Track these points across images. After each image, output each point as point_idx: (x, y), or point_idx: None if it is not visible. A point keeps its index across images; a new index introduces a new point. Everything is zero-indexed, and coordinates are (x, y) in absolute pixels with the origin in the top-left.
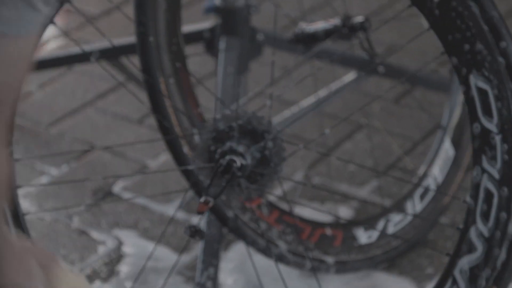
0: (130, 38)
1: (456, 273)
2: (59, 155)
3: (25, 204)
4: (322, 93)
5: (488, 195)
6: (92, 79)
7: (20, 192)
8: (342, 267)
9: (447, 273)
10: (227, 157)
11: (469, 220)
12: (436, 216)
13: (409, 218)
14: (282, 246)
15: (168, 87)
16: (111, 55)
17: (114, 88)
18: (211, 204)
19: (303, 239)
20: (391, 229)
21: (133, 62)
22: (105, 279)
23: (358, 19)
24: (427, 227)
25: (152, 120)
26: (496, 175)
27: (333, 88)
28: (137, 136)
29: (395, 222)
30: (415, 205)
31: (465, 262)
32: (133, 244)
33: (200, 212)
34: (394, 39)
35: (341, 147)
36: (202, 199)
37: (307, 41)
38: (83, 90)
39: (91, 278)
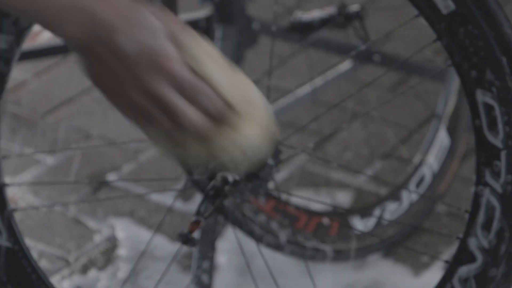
0: None
1: (455, 282)
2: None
3: (20, 193)
4: (318, 81)
5: (490, 208)
6: None
7: (16, 180)
8: (338, 256)
9: (446, 281)
10: (218, 177)
11: (469, 230)
12: (432, 205)
13: (405, 206)
14: (282, 236)
15: None
16: None
17: None
18: (202, 224)
19: (299, 228)
20: (387, 217)
21: None
22: (101, 268)
23: (354, 7)
24: (423, 215)
25: None
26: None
27: (328, 77)
28: (133, 125)
29: (391, 211)
30: (411, 194)
31: (464, 271)
32: (129, 233)
33: (190, 232)
34: (390, 27)
35: (336, 136)
36: (193, 219)
37: (302, 29)
38: (79, 79)
39: (87, 266)
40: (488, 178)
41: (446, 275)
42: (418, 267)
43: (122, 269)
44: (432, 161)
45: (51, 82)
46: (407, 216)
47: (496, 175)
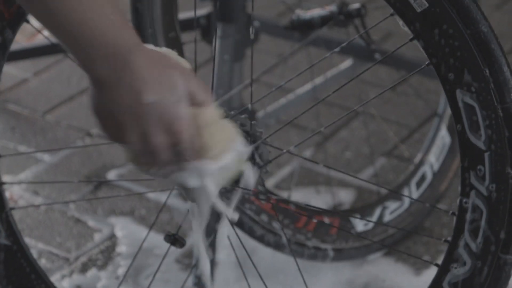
0: None
1: (445, 285)
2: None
3: (20, 191)
4: (318, 80)
5: (477, 211)
6: None
7: (15, 178)
8: (338, 255)
9: (436, 285)
10: None
11: (458, 234)
12: (433, 203)
13: (405, 205)
14: (284, 235)
15: None
16: None
17: None
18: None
19: (299, 227)
20: (387, 217)
21: None
22: (101, 267)
23: (355, 6)
24: (424, 214)
25: None
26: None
27: (329, 76)
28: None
29: (391, 210)
30: (411, 193)
31: (454, 274)
32: (129, 232)
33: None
34: (390, 26)
35: (337, 135)
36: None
37: (303, 28)
38: (78, 77)
39: (87, 265)
40: (473, 180)
41: (436, 278)
42: (418, 266)
43: (122, 268)
44: (433, 160)
45: (51, 81)
46: (407, 215)
47: (481, 178)
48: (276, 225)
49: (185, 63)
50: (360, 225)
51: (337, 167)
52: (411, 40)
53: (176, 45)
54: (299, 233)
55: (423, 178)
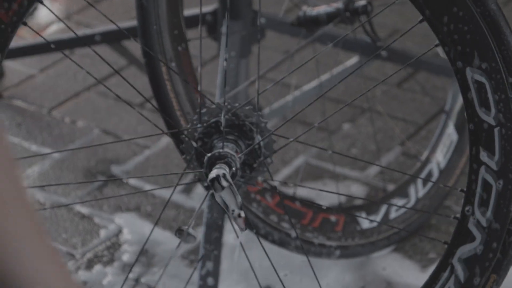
0: (131, 22)
1: (455, 261)
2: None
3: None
4: (325, 77)
5: (487, 186)
6: (93, 62)
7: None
8: (344, 252)
9: (445, 262)
10: (214, 173)
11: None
12: (439, 200)
13: (412, 202)
14: (293, 234)
15: (170, 71)
16: (113, 38)
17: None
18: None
19: (304, 224)
20: (393, 214)
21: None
22: (107, 263)
23: (361, 3)
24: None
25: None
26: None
27: (335, 72)
28: (138, 119)
29: (397, 207)
30: (418, 190)
31: (463, 251)
32: (135, 228)
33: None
34: (396, 22)
35: (343, 132)
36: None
37: (309, 25)
38: (84, 73)
39: (93, 262)
40: (483, 156)
41: (446, 255)
42: (424, 264)
43: (128, 264)
44: (440, 157)
45: (57, 77)
46: (413, 212)
47: (491, 153)
48: (285, 224)
49: None
50: (365, 222)
51: (344, 164)
52: (420, 21)
53: (181, 42)
54: (306, 231)
55: (429, 175)
